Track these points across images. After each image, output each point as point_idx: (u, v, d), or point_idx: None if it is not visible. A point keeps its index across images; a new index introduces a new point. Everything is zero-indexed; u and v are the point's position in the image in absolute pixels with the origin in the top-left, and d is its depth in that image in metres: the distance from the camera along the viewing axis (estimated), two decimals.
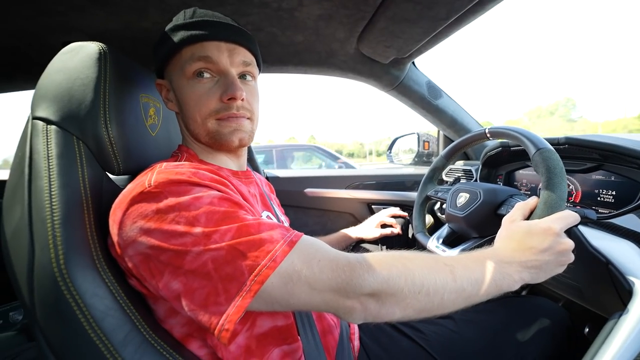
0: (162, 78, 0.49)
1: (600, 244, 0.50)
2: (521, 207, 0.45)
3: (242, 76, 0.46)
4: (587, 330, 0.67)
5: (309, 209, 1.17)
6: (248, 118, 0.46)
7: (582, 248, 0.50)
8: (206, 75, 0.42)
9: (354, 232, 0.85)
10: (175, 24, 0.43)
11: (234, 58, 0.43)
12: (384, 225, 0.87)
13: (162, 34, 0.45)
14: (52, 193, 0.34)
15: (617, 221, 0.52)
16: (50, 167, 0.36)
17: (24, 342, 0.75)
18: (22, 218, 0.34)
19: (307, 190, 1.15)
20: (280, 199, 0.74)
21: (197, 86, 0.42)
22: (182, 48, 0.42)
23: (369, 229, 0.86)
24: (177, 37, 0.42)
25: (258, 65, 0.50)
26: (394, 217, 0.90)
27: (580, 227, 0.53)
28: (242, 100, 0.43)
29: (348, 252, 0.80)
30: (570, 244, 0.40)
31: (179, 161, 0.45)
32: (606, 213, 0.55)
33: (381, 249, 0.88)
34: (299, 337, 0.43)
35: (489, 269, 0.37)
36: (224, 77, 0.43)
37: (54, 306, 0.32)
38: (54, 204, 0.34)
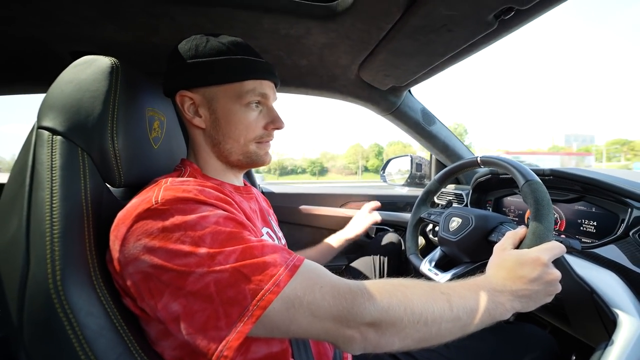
0: (185, 90, 0.46)
1: (584, 272, 0.52)
2: (511, 235, 0.47)
3: None
4: (573, 358, 0.68)
5: (302, 225, 1.17)
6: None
7: (568, 276, 0.53)
8: (257, 106, 0.49)
9: (341, 235, 0.86)
10: (244, 57, 0.46)
11: (274, 95, 0.52)
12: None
13: (222, 59, 0.45)
14: (54, 205, 0.34)
15: (599, 251, 0.54)
16: (53, 178, 0.35)
17: None
18: (19, 229, 0.33)
19: (302, 207, 1.16)
20: (275, 214, 0.74)
21: (250, 113, 0.48)
22: (247, 79, 0.47)
23: (353, 227, 0.88)
24: (244, 69, 0.46)
25: None
26: (373, 210, 0.93)
27: (566, 255, 0.55)
28: None
29: (342, 269, 0.78)
30: (557, 274, 0.42)
31: (182, 176, 0.45)
32: (589, 243, 0.58)
33: (374, 267, 0.88)
34: None
35: (482, 298, 0.38)
36: (267, 109, 0.50)
37: (45, 324, 0.30)
38: (54, 216, 0.33)
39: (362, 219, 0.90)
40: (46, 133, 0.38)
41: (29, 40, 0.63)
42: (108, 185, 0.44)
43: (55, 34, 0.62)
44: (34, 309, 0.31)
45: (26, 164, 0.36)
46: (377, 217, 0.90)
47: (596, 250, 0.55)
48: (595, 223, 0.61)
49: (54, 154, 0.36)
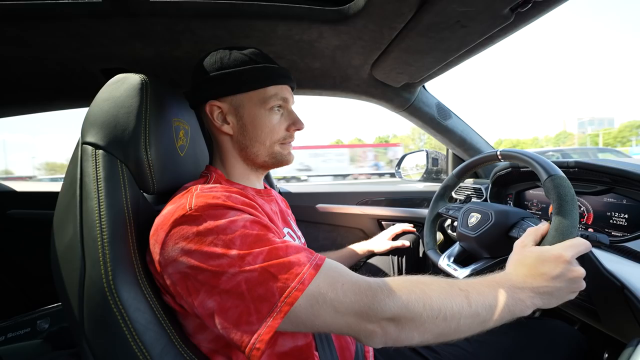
0: (213, 100, 0.49)
1: (615, 267, 0.50)
2: (532, 232, 0.46)
3: None
4: (606, 355, 0.65)
5: (319, 224, 1.19)
6: None
7: (597, 271, 0.51)
8: (279, 110, 0.52)
9: (366, 245, 0.87)
10: (265, 65, 0.50)
11: (292, 99, 0.55)
12: (395, 239, 0.89)
13: (247, 69, 0.49)
14: (102, 213, 0.38)
15: (632, 245, 0.52)
16: (99, 189, 0.39)
17: (49, 350, 0.77)
18: (74, 236, 0.38)
19: (319, 205, 1.18)
20: (292, 213, 0.77)
21: (273, 117, 0.51)
22: (269, 85, 0.50)
23: (380, 241, 0.88)
24: (266, 76, 0.50)
25: None
26: (405, 232, 0.92)
27: (594, 250, 0.53)
28: None
29: (360, 265, 0.81)
30: (581, 271, 0.41)
31: (209, 182, 0.49)
32: (619, 236, 0.56)
33: (392, 264, 0.89)
34: (316, 355, 0.44)
35: (502, 294, 0.38)
36: (287, 112, 0.54)
37: (102, 319, 0.35)
38: (103, 223, 0.37)
39: (390, 238, 0.88)
40: (90, 148, 0.42)
41: (66, 61, 0.69)
42: (144, 193, 0.48)
43: (88, 54, 0.67)
44: (91, 306, 0.35)
45: (75, 176, 0.41)
46: (406, 242, 0.88)
47: (628, 244, 0.53)
48: (626, 215, 0.58)
49: (98, 166, 0.41)
